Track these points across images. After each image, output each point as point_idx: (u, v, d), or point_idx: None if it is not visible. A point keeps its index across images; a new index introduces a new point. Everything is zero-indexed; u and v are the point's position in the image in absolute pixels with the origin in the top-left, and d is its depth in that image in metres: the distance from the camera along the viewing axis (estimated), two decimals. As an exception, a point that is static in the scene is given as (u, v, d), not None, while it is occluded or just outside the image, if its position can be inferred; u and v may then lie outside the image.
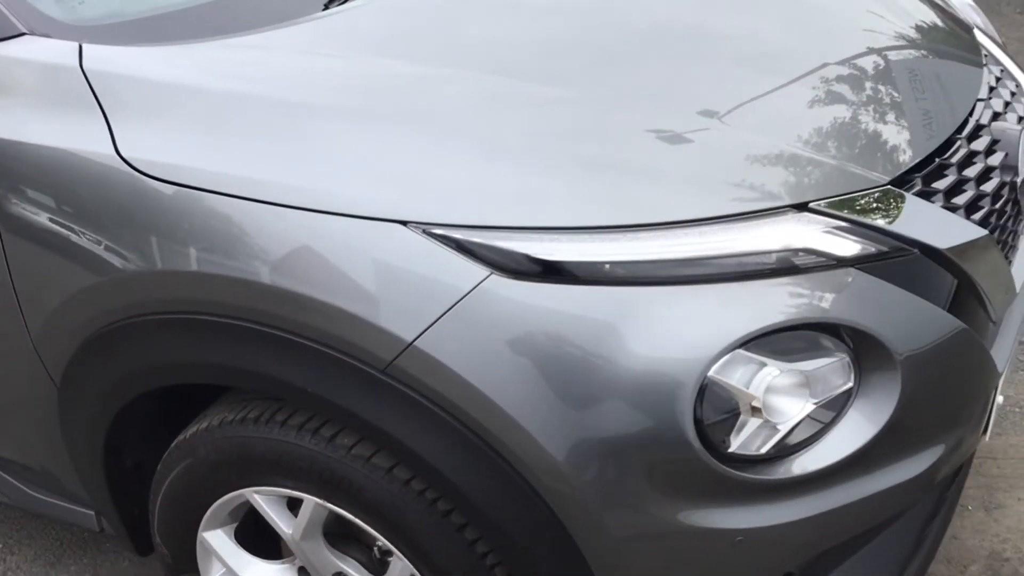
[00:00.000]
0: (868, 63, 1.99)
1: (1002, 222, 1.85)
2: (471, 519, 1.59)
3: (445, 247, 1.49)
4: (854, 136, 1.77)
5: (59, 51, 1.74)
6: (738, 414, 1.51)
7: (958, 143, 1.85)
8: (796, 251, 1.53)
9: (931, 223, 1.66)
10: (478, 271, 1.47)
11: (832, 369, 1.54)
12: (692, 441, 1.46)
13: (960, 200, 1.76)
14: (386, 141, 1.61)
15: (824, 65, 1.92)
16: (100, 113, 1.67)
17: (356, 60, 1.82)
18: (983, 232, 1.71)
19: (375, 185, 1.55)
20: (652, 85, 1.80)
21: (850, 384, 1.55)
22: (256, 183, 1.57)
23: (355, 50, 1.86)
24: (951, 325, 1.61)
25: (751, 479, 1.52)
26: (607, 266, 1.48)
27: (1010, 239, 1.90)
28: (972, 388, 1.73)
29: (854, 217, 1.59)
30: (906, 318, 1.58)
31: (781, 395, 1.51)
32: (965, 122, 1.91)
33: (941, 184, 1.76)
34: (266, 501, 1.79)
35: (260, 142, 1.62)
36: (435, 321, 1.47)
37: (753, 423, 1.51)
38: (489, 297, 1.47)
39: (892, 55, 2.06)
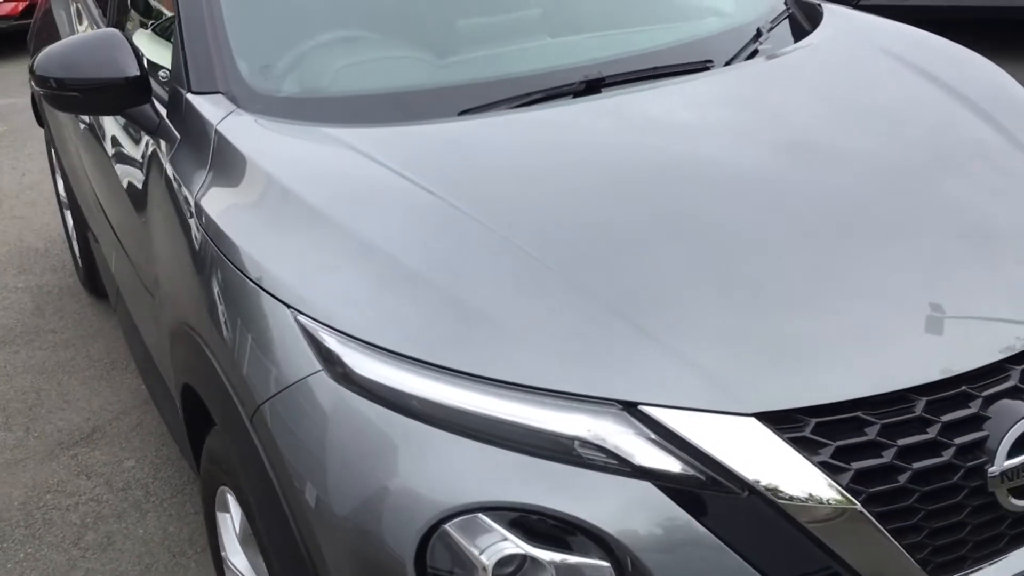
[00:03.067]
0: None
1: (939, 524, 1.65)
2: None
3: (302, 335, 1.78)
4: (754, 350, 1.70)
5: None
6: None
7: (914, 401, 1.66)
8: (587, 443, 1.60)
9: (771, 467, 1.58)
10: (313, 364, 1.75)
11: (583, 571, 1.57)
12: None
13: (859, 464, 1.60)
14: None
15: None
16: None
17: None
18: (850, 503, 1.58)
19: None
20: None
21: None
22: None
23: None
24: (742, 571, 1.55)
25: None
26: (411, 398, 1.67)
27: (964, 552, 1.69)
28: None
29: (677, 432, 1.59)
30: (691, 555, 1.56)
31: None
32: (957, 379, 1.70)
33: (846, 439, 1.61)
34: None
35: None
36: (278, 392, 1.78)
37: None
38: (311, 388, 1.74)
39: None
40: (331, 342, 1.77)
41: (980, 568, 1.72)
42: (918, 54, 2.71)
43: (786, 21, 2.91)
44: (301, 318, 1.82)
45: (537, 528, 1.59)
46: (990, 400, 1.71)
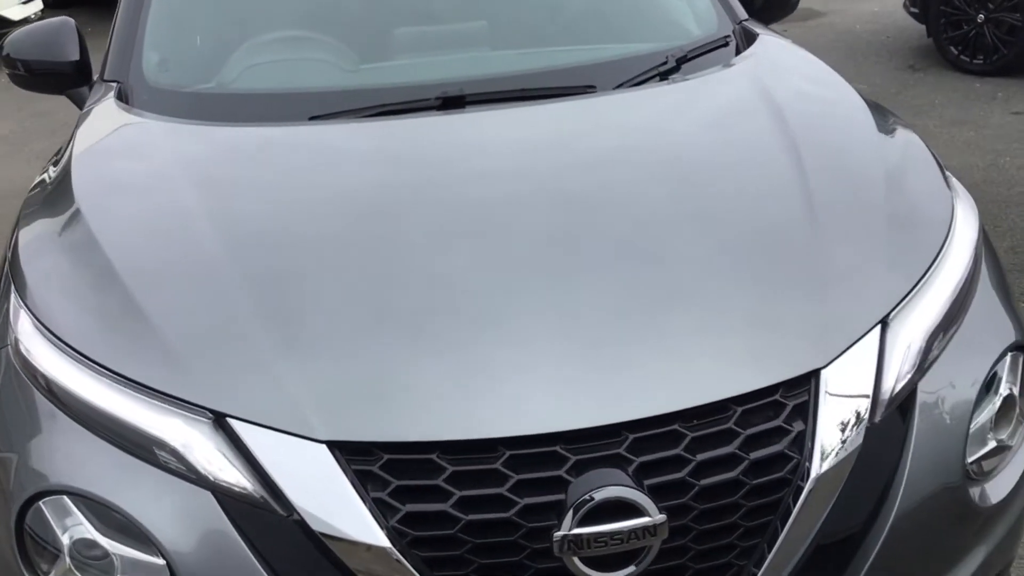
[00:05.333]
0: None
1: None
2: None
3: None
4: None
5: None
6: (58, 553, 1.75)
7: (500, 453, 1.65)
8: (165, 446, 1.70)
9: (320, 495, 1.63)
10: None
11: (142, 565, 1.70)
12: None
13: (412, 506, 1.63)
14: None
15: None
16: None
17: None
18: (378, 542, 1.61)
19: None
20: None
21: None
22: None
23: None
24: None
25: None
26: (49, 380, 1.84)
27: None
28: None
29: (249, 448, 1.67)
30: (227, 568, 1.66)
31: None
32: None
33: (410, 479, 1.64)
34: None
35: None
36: None
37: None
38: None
39: None
40: (24, 320, 1.95)
41: None
42: (795, 102, 2.54)
43: (722, 48, 2.82)
44: (13, 295, 2.02)
45: (113, 519, 1.71)
46: (587, 464, 1.66)
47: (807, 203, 2.11)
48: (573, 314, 1.84)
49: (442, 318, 1.84)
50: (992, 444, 1.96)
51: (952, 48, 7.33)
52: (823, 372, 1.78)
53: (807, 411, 1.75)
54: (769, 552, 1.72)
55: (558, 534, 1.62)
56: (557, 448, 1.66)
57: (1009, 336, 2.04)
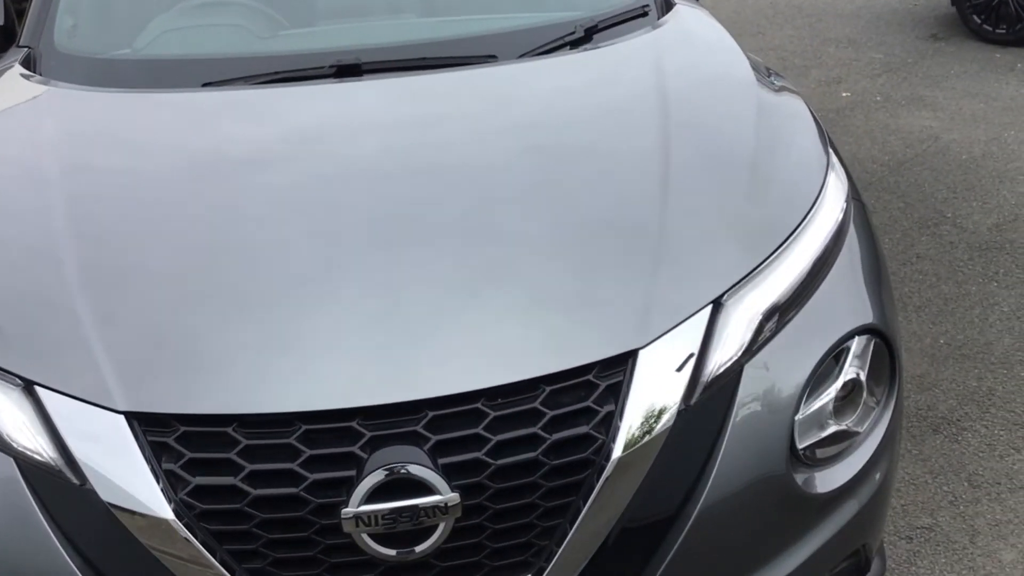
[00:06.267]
0: None
1: (286, 555, 1.66)
2: None
3: None
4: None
5: None
6: None
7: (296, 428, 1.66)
8: None
9: (112, 465, 1.64)
10: None
11: None
12: None
13: (201, 479, 1.64)
14: None
15: None
16: None
17: None
18: (162, 513, 1.62)
19: None
20: None
21: None
22: None
23: None
24: None
25: None
26: None
27: None
28: None
29: (51, 416, 1.69)
30: (21, 535, 1.69)
31: None
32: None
33: (205, 452, 1.65)
34: None
35: None
36: None
37: None
38: None
39: None
40: None
41: None
42: (682, 77, 2.48)
43: (640, 17, 2.77)
44: None
45: None
46: (382, 441, 1.66)
47: (663, 181, 2.07)
48: (391, 290, 1.83)
49: (258, 291, 1.84)
50: (832, 429, 1.92)
51: (975, 17, 7.11)
52: (641, 352, 1.75)
53: (620, 392, 1.73)
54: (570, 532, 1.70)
55: (346, 511, 1.62)
56: (353, 424, 1.66)
57: (859, 319, 1.98)
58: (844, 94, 6.34)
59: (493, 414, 1.68)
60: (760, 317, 1.86)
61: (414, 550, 1.66)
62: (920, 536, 2.89)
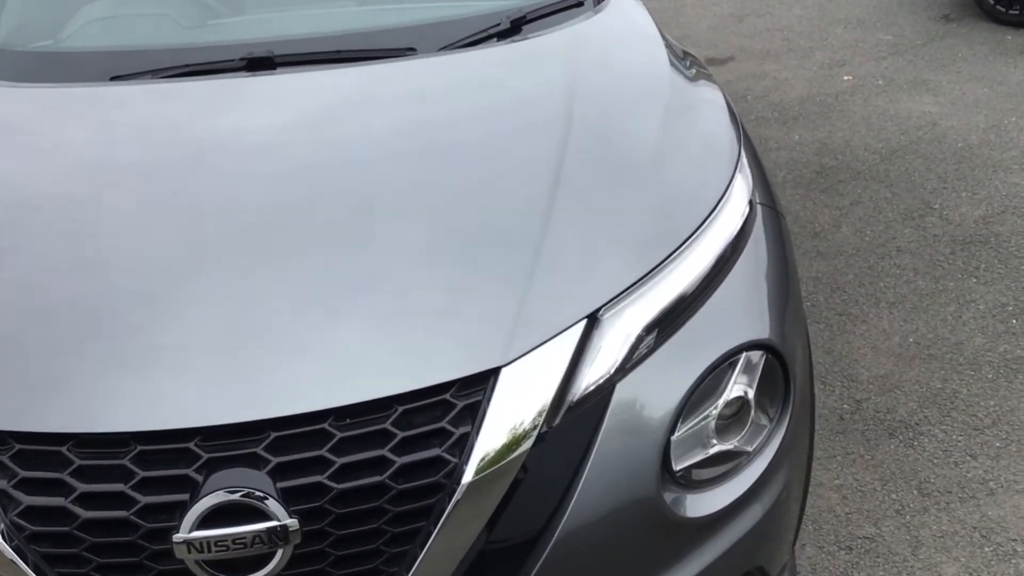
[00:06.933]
0: None
1: None
2: None
3: None
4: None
5: None
6: None
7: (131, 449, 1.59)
8: None
9: None
10: None
11: None
12: None
13: (33, 499, 1.58)
14: None
15: None
16: None
17: None
18: None
19: None
20: None
21: None
22: None
23: None
24: None
25: None
26: None
27: None
28: None
29: None
30: None
31: None
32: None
33: (41, 471, 1.59)
34: None
35: None
36: None
37: None
38: None
39: None
40: None
41: None
42: (594, 75, 2.39)
43: (574, 7, 2.68)
44: None
45: None
46: (220, 463, 1.59)
47: (552, 186, 1.98)
48: (247, 304, 1.76)
49: (105, 305, 1.77)
50: (716, 449, 1.83)
51: (989, -3, 6.91)
52: (503, 371, 1.67)
53: (478, 412, 1.66)
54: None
55: (177, 536, 1.56)
56: (190, 445, 1.60)
57: (748, 334, 1.88)
58: (846, 78, 6.18)
59: (340, 435, 1.61)
60: (639, 332, 1.77)
61: None
62: (860, 547, 2.80)
